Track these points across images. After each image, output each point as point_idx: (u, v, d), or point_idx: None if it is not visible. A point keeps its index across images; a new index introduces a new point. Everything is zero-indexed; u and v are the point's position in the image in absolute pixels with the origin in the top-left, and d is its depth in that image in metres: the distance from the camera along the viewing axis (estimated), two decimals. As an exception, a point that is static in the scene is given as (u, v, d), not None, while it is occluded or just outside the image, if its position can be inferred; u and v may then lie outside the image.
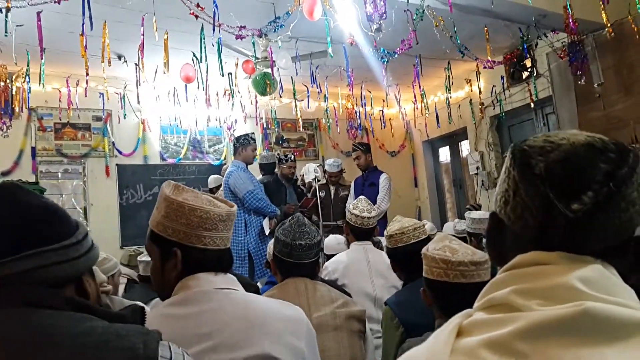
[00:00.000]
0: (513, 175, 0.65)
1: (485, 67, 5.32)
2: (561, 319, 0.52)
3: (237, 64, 4.84)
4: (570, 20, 4.15)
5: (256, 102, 6.25)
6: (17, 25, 3.49)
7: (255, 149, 4.52)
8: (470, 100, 6.73)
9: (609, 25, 4.18)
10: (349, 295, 2.03)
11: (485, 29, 4.62)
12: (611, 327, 0.52)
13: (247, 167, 4.45)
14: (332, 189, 5.26)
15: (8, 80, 4.99)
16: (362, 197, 2.92)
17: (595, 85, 4.77)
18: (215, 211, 1.22)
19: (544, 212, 0.61)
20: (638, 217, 0.61)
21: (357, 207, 2.77)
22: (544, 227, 0.62)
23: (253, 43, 4.21)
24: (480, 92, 6.30)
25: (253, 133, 4.64)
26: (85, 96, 5.01)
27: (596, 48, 4.77)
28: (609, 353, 0.50)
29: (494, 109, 6.46)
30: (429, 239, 1.99)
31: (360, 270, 2.55)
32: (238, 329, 1.14)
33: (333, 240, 3.40)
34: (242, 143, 4.46)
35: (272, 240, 1.96)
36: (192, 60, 4.45)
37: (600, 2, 4.01)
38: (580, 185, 0.59)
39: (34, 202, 0.84)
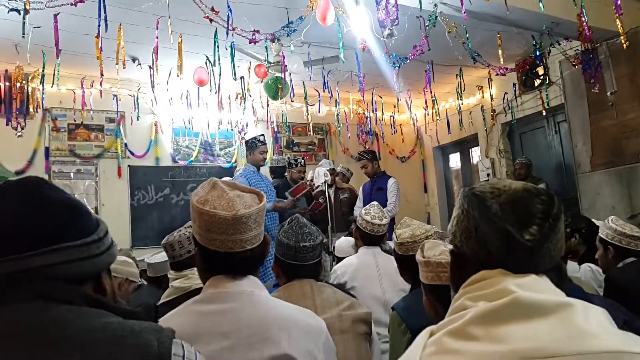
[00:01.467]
0: (473, 215, 0.81)
1: (497, 74, 5.30)
2: (499, 307, 0.70)
3: (249, 68, 4.88)
4: (585, 27, 4.13)
5: (267, 105, 6.30)
6: (34, 27, 3.55)
7: (265, 151, 4.42)
8: (482, 107, 6.72)
9: (623, 33, 4.15)
10: (354, 297, 2.02)
11: (498, 36, 4.60)
12: (536, 308, 0.69)
13: (258, 169, 4.39)
14: (332, 194, 5.19)
15: (24, 81, 5.07)
16: (374, 203, 2.88)
17: (609, 94, 4.74)
18: (220, 214, 1.15)
19: (504, 242, 0.77)
20: (563, 246, 0.82)
21: (369, 213, 2.75)
22: (506, 253, 0.77)
23: (266, 47, 4.23)
24: (492, 98, 6.29)
25: (262, 135, 4.55)
26: (101, 98, 5.07)
27: (610, 56, 4.73)
28: (534, 326, 0.67)
29: (505, 116, 6.43)
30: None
31: (369, 273, 2.55)
32: (256, 330, 1.14)
33: (345, 243, 3.38)
34: (250, 147, 4.42)
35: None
36: (205, 63, 4.49)
37: (614, 11, 3.98)
38: (525, 220, 0.77)
39: (58, 197, 0.84)
